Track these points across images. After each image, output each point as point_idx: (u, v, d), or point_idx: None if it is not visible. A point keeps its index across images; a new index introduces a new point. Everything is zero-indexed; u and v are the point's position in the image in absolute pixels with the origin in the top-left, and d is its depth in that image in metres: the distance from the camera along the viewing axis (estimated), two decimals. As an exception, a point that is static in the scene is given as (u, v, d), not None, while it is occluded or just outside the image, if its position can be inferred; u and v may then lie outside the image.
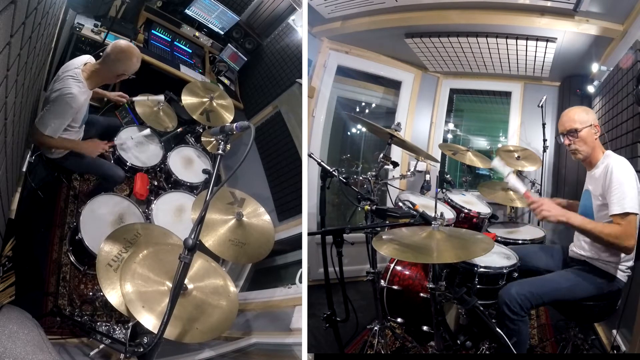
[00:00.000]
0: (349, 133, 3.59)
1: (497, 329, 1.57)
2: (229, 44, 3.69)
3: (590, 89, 2.83)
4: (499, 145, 3.20)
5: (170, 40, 3.52)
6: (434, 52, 3.08)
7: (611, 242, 1.70)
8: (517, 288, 1.79)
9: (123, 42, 2.19)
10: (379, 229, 1.96)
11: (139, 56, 2.20)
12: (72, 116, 2.12)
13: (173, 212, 2.47)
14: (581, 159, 1.91)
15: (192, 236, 1.34)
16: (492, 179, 3.28)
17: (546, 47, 2.77)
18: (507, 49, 2.88)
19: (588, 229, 1.74)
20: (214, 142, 2.75)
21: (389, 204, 2.55)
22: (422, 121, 3.35)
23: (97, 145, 2.37)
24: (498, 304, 1.81)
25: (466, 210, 2.46)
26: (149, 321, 1.43)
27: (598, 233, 1.71)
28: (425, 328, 2.11)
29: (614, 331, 2.13)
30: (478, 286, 1.95)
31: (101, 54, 2.18)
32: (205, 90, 2.89)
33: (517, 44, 2.81)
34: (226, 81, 3.62)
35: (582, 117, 1.86)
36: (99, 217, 2.20)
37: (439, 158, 2.98)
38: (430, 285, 1.73)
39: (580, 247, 1.94)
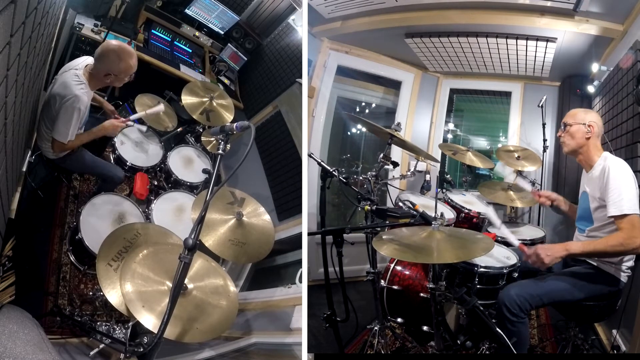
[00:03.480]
0: (349, 133, 3.59)
1: (497, 329, 1.57)
2: (229, 44, 3.69)
3: (590, 89, 2.83)
4: (499, 145, 3.19)
5: (170, 40, 3.52)
6: (434, 52, 3.08)
7: (619, 250, 1.70)
8: (517, 290, 1.79)
9: (114, 41, 2.14)
10: (379, 229, 1.96)
11: (129, 57, 2.09)
12: (83, 116, 2.14)
13: (173, 212, 2.47)
14: (567, 152, 1.98)
15: (192, 236, 1.34)
16: (492, 179, 3.29)
17: (546, 47, 2.77)
18: (507, 49, 2.88)
19: (591, 250, 1.75)
20: (214, 142, 2.76)
21: (389, 204, 2.55)
22: (422, 121, 3.35)
23: (116, 125, 2.34)
24: (497, 306, 1.81)
25: (466, 210, 2.46)
26: (149, 321, 1.43)
27: (604, 249, 1.71)
28: (425, 328, 2.11)
29: (614, 331, 2.13)
30: (478, 286, 1.95)
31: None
32: (205, 90, 2.89)
33: (517, 44, 2.81)
34: (226, 81, 3.62)
35: (578, 116, 1.93)
36: (99, 217, 2.20)
37: (439, 158, 2.98)
38: (430, 285, 1.73)
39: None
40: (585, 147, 1.90)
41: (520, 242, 1.93)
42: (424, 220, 1.63)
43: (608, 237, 1.73)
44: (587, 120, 1.89)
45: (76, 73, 2.08)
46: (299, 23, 3.33)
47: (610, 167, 1.76)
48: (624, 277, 1.83)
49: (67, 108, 2.04)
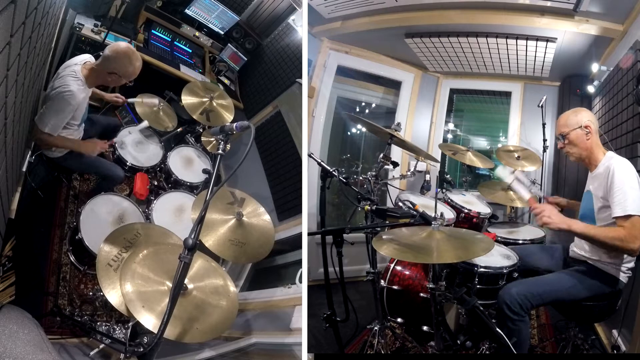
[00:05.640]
0: (349, 133, 3.59)
1: (497, 329, 1.57)
2: (229, 44, 3.69)
3: (590, 89, 2.83)
4: (499, 145, 3.20)
5: (170, 40, 3.52)
6: (434, 52, 3.08)
7: (616, 245, 1.68)
8: (518, 288, 1.79)
9: (124, 43, 2.19)
10: (379, 229, 1.96)
11: (136, 61, 2.15)
12: (71, 113, 2.11)
13: (173, 212, 2.47)
14: (575, 160, 1.95)
15: (192, 236, 1.34)
16: (492, 179, 3.28)
17: (546, 47, 2.77)
18: (507, 49, 2.88)
19: (591, 235, 1.73)
20: (214, 142, 2.76)
21: (389, 204, 2.55)
22: (422, 121, 3.35)
23: (96, 145, 2.36)
24: (498, 304, 1.80)
25: (466, 210, 2.46)
26: (149, 321, 1.43)
27: (602, 238, 1.70)
28: (425, 328, 2.12)
29: (614, 331, 2.13)
30: (478, 286, 1.95)
31: (100, 52, 2.18)
32: (205, 90, 2.89)
33: (517, 44, 2.81)
34: (226, 81, 3.62)
35: (570, 121, 1.90)
36: (99, 217, 2.20)
37: (439, 158, 2.98)
38: (430, 285, 1.73)
39: (581, 247, 1.94)
40: (589, 149, 1.88)
41: (530, 196, 1.92)
42: (424, 220, 1.63)
43: (610, 229, 1.72)
44: (582, 122, 1.86)
45: (74, 69, 2.08)
46: (299, 23, 3.33)
47: (615, 167, 1.74)
48: (624, 278, 1.83)
49: (58, 99, 2.03)
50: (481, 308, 1.60)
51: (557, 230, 1.75)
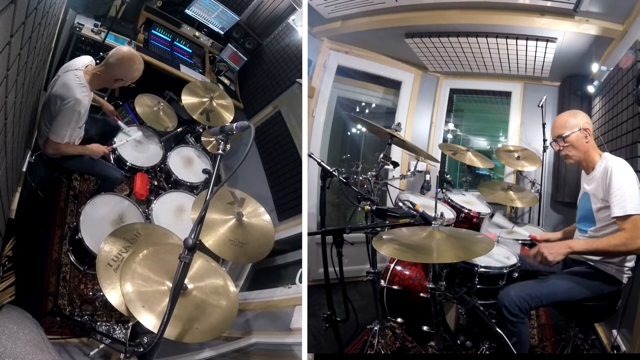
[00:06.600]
0: (349, 133, 3.59)
1: (497, 329, 1.57)
2: (229, 44, 3.69)
3: (590, 89, 2.83)
4: (499, 145, 3.20)
5: (170, 40, 3.52)
6: (434, 52, 3.08)
7: (622, 250, 1.70)
8: (516, 290, 1.79)
9: (126, 48, 2.22)
10: (379, 229, 1.96)
11: (140, 64, 2.20)
12: (80, 119, 2.16)
13: (173, 212, 2.47)
14: (573, 163, 1.93)
15: (192, 236, 1.34)
16: (492, 179, 3.29)
17: (546, 47, 2.77)
18: (507, 49, 2.88)
19: (594, 249, 1.75)
20: (214, 142, 2.76)
21: (389, 204, 2.55)
22: (422, 121, 3.35)
23: (100, 148, 2.41)
24: (497, 307, 1.80)
25: (466, 210, 2.46)
26: (149, 321, 1.43)
27: (605, 248, 1.71)
28: (425, 328, 2.11)
29: (614, 331, 2.13)
30: (478, 286, 1.95)
31: (101, 53, 2.19)
32: (205, 90, 2.89)
33: (517, 44, 2.81)
34: (226, 81, 3.62)
35: (570, 122, 1.88)
36: (99, 217, 2.20)
37: (439, 158, 2.98)
38: (430, 285, 1.73)
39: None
40: (587, 151, 1.88)
41: (521, 244, 1.93)
42: (424, 220, 1.62)
43: (611, 237, 1.73)
44: (581, 125, 1.86)
45: (77, 74, 2.09)
46: (299, 23, 3.33)
47: (613, 167, 1.75)
48: (624, 278, 1.83)
49: (67, 110, 2.06)
50: (481, 308, 1.60)
51: (563, 258, 1.75)
